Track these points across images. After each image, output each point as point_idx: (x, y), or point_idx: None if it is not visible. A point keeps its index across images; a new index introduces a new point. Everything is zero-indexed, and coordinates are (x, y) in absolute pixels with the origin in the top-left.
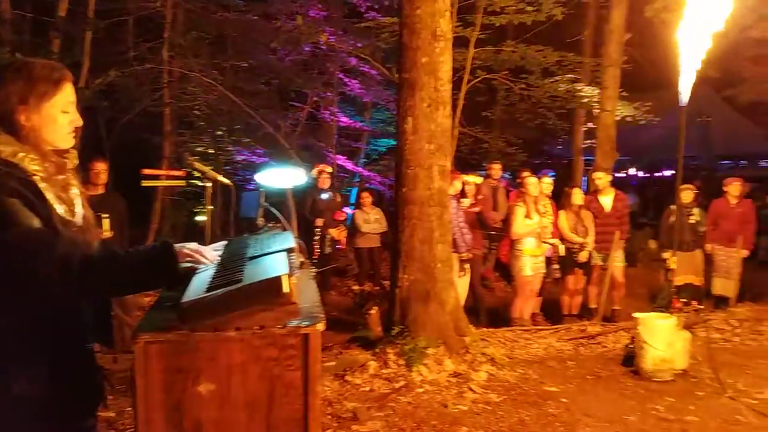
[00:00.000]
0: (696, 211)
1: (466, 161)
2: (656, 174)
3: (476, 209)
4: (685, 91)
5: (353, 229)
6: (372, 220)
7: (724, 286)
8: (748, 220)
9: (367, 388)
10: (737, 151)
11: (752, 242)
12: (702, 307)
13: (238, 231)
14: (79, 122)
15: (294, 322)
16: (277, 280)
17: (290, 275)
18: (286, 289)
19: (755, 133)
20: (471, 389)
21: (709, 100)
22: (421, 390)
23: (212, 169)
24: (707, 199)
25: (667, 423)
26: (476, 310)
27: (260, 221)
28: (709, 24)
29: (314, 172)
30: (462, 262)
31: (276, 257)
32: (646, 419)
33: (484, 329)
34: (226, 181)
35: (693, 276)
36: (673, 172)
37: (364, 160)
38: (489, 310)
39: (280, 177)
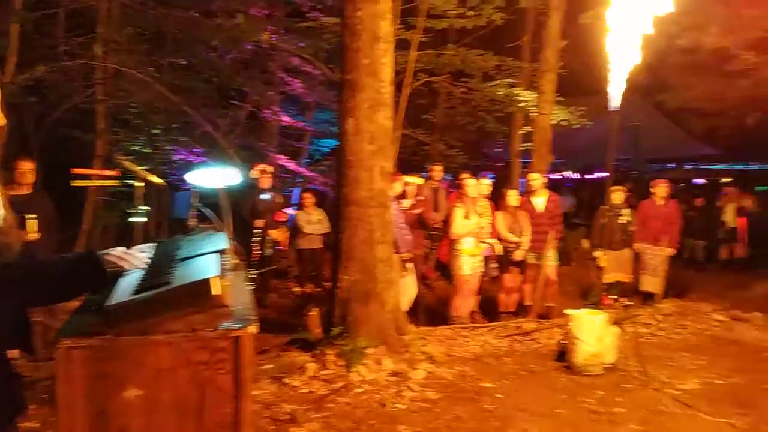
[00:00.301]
0: (626, 211)
1: (408, 163)
2: (589, 176)
3: (417, 210)
4: (615, 96)
5: (295, 230)
6: (314, 221)
7: (651, 282)
8: (673, 220)
9: (306, 390)
10: (665, 154)
11: (677, 241)
12: (630, 303)
13: (171, 232)
14: (2, 121)
15: (225, 325)
16: (207, 282)
17: (222, 277)
18: (216, 291)
19: (681, 138)
20: (409, 388)
21: (639, 106)
22: (360, 390)
23: (146, 169)
24: (638, 201)
25: (596, 415)
26: (416, 309)
27: (192, 222)
28: (637, 34)
29: (255, 172)
30: (403, 262)
31: (207, 259)
32: (577, 412)
33: (424, 328)
34: (158, 180)
35: (622, 273)
36: (606, 174)
37: (307, 160)
38: (430, 309)
39: (212, 177)
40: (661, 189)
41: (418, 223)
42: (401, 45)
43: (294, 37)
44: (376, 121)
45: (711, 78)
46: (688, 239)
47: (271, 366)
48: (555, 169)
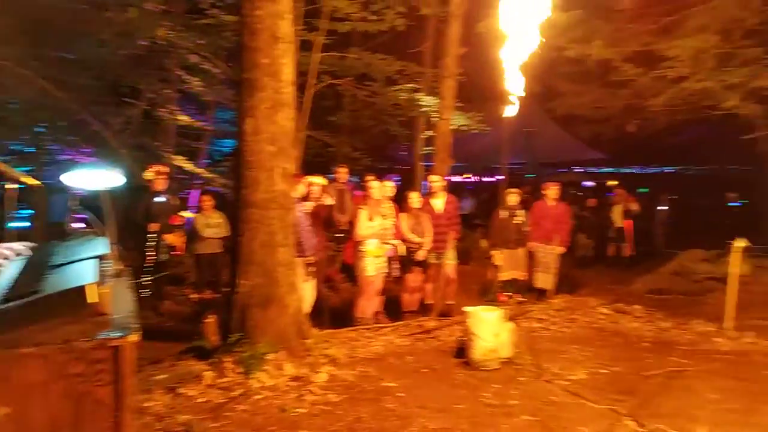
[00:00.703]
0: (521, 212)
1: (313, 164)
2: (488, 179)
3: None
4: (509, 103)
5: (193, 235)
6: (213, 225)
7: (544, 279)
8: (563, 220)
9: (203, 400)
10: (557, 158)
11: (568, 240)
12: (524, 299)
13: (47, 237)
14: None
15: (103, 335)
16: (83, 289)
17: (100, 284)
18: (92, 299)
19: (571, 143)
20: (311, 391)
21: (533, 113)
22: (259, 397)
23: (28, 170)
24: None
25: (493, 408)
26: (321, 312)
27: (70, 226)
28: (527, 43)
29: (149, 173)
30: (307, 265)
31: (84, 265)
32: (475, 406)
33: (328, 331)
34: (32, 181)
35: (517, 271)
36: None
37: (207, 161)
38: (335, 311)
39: (92, 178)
40: (552, 191)
41: (323, 225)
42: (305, 46)
43: (193, 34)
44: (276, 121)
45: (596, 87)
46: (580, 238)
47: (165, 376)
48: (456, 172)
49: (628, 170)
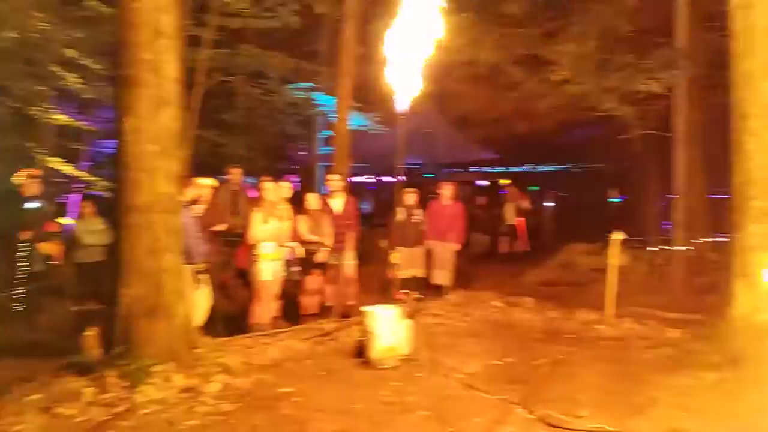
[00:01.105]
0: (418, 211)
1: (206, 166)
2: (388, 179)
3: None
4: (403, 103)
5: (73, 242)
6: (95, 231)
7: (441, 276)
8: (458, 218)
9: (82, 419)
10: (453, 159)
11: (463, 237)
12: (421, 296)
13: None
14: None
15: None
16: None
17: None
18: None
19: (466, 144)
20: (202, 402)
21: (431, 114)
22: (146, 411)
23: None
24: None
25: (391, 406)
26: (215, 320)
27: None
28: (422, 46)
29: (19, 177)
30: (198, 272)
31: None
32: (373, 405)
33: (222, 339)
34: None
35: (416, 269)
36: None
37: (89, 163)
38: (230, 318)
39: None
40: (447, 190)
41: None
42: (194, 42)
43: (69, 27)
44: (159, 120)
45: (487, 89)
46: (475, 235)
47: (40, 396)
48: (357, 172)
49: (519, 169)
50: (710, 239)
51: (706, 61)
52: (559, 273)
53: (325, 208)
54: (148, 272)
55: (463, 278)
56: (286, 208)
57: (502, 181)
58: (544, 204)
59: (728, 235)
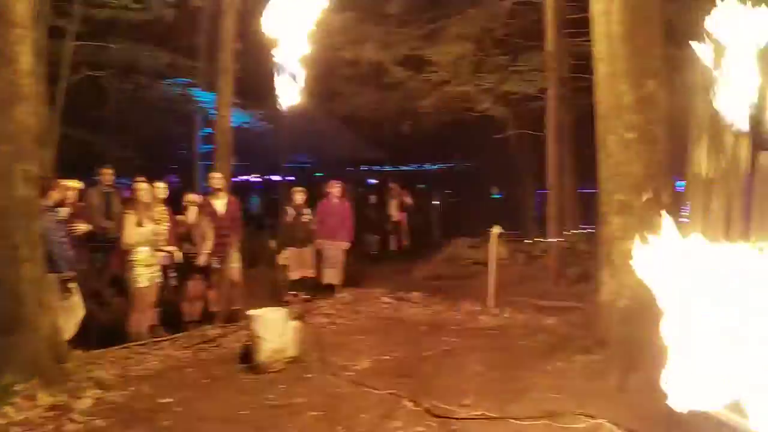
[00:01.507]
0: (307, 211)
1: (74, 166)
2: (276, 178)
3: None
4: (285, 102)
5: None
6: None
7: (332, 275)
8: (347, 217)
9: None
10: (344, 157)
11: (352, 235)
12: (309, 296)
13: None
14: None
15: None
16: None
17: None
18: None
19: (355, 142)
20: (72, 420)
21: (321, 112)
22: None
23: None
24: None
25: (278, 409)
26: (88, 331)
27: None
28: (302, 42)
29: None
30: (63, 282)
31: None
32: (259, 410)
33: (96, 351)
34: None
35: (306, 269)
36: (290, 176)
37: None
38: (105, 328)
39: None
40: (335, 189)
41: (85, 234)
42: (57, 33)
43: None
44: (13, 117)
45: (372, 89)
46: (365, 234)
47: None
48: (244, 171)
49: (408, 168)
50: (581, 231)
51: (572, 65)
52: (445, 267)
53: (207, 208)
54: (5, 283)
55: (354, 277)
56: (163, 210)
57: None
58: (432, 201)
59: (595, 226)
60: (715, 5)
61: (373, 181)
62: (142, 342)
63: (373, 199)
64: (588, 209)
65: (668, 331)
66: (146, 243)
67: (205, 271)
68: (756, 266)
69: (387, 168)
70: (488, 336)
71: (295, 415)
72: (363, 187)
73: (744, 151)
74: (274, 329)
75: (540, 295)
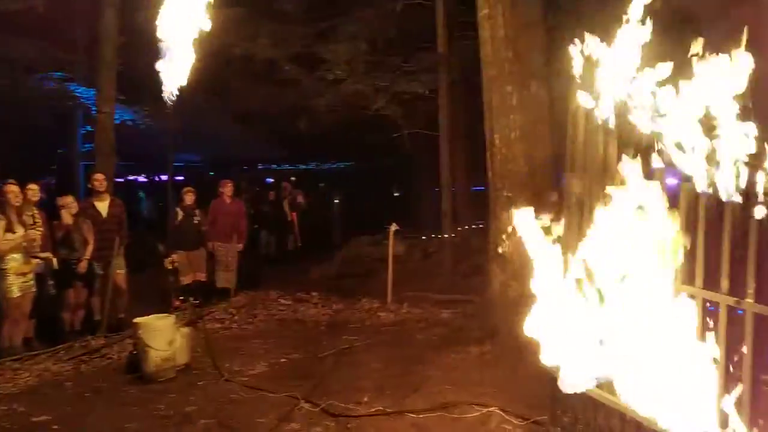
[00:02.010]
0: (198, 212)
1: None
2: (164, 178)
3: None
4: (170, 99)
5: None
6: None
7: (225, 278)
8: (240, 217)
9: None
10: (240, 156)
11: (246, 237)
12: (198, 302)
13: None
14: None
15: None
16: None
17: None
18: None
19: (253, 140)
20: None
21: (213, 110)
22: None
23: None
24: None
25: (168, 419)
26: None
27: None
28: (189, 37)
29: None
30: None
31: None
32: (148, 421)
33: None
34: None
35: (198, 273)
36: (181, 176)
37: None
38: None
39: None
40: (228, 188)
41: None
42: None
43: None
44: None
45: (267, 85)
46: (262, 234)
47: None
48: (128, 171)
49: (308, 167)
50: (474, 227)
51: (463, 66)
52: (345, 266)
53: (89, 211)
54: None
55: (250, 279)
56: (36, 214)
57: (292, 179)
58: (332, 200)
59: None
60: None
61: (271, 180)
62: (16, 356)
63: (269, 197)
64: (482, 206)
65: (543, 318)
66: (17, 250)
67: (87, 278)
68: (609, 258)
69: (286, 167)
70: (387, 332)
71: (186, 425)
72: (261, 186)
73: (612, 149)
74: (163, 337)
75: (436, 290)
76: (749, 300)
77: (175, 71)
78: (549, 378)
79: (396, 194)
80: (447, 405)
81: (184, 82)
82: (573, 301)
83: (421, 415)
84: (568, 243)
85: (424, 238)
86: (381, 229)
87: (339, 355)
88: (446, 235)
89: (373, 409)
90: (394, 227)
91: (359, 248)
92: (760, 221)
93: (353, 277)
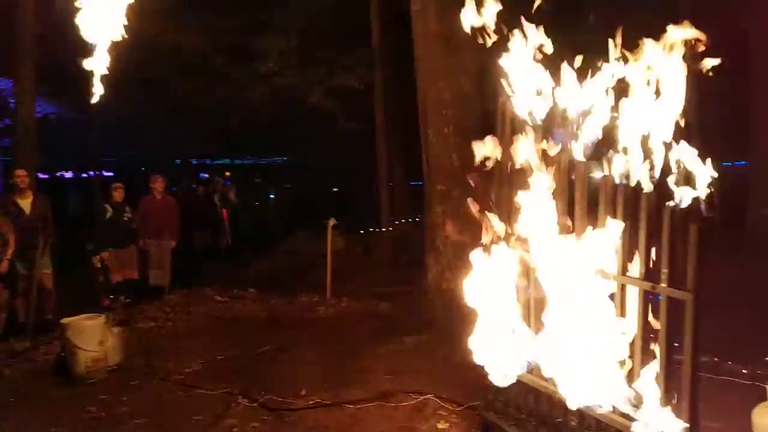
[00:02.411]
0: (128, 208)
1: None
2: (95, 174)
3: None
4: (98, 89)
5: None
6: None
7: (158, 276)
8: (172, 213)
9: None
10: (171, 150)
11: (178, 233)
12: (129, 300)
13: None
14: None
15: None
16: None
17: None
18: None
19: (185, 134)
20: None
21: (143, 103)
22: None
23: None
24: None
25: (99, 421)
26: None
27: None
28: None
29: None
30: None
31: None
32: (77, 424)
33: None
34: None
35: (130, 271)
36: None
37: None
38: None
39: None
40: (158, 184)
41: None
42: None
43: None
44: None
45: (196, 78)
46: (195, 230)
47: None
48: (53, 166)
49: (245, 161)
50: (411, 220)
51: (398, 61)
52: (284, 261)
53: (11, 208)
54: None
55: (185, 276)
56: None
57: (227, 173)
58: (268, 195)
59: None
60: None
61: (206, 175)
62: None
63: (200, 190)
64: (420, 200)
65: (477, 307)
66: None
67: (10, 279)
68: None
69: (224, 161)
70: (325, 326)
71: (118, 426)
72: (195, 182)
73: (538, 144)
74: (93, 337)
75: (375, 283)
76: (663, 285)
77: (98, 63)
78: (483, 365)
79: (335, 189)
80: (384, 394)
81: (107, 74)
82: (503, 289)
83: (358, 406)
84: (498, 231)
85: (363, 232)
86: (320, 225)
87: (277, 350)
88: (385, 229)
89: (311, 402)
90: (332, 222)
91: (298, 244)
92: (673, 210)
93: (292, 273)
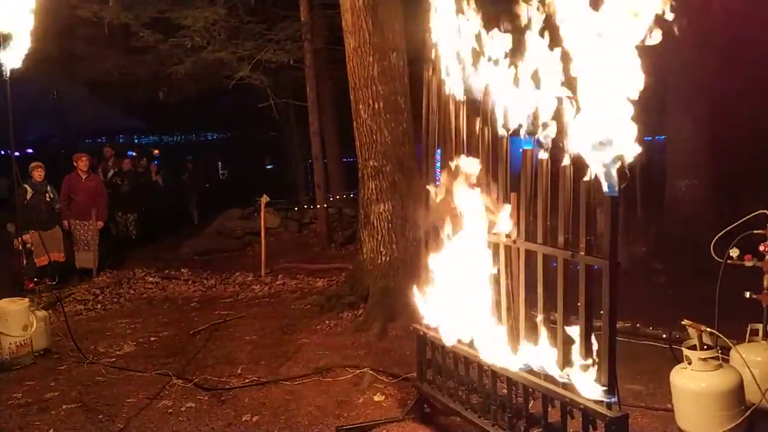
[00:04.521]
0: (50, 188)
1: None
2: (8, 151)
3: None
4: (9, 63)
5: None
6: None
7: (86, 258)
8: (98, 193)
9: None
10: (95, 127)
11: (105, 214)
12: (54, 282)
13: None
14: None
15: None
16: None
17: None
18: None
19: (107, 111)
20: None
21: (63, 79)
22: None
23: None
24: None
25: (25, 407)
26: None
27: None
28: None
29: None
30: None
31: None
32: (4, 412)
33: None
34: None
35: (55, 253)
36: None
37: None
38: None
39: None
40: (82, 162)
41: None
42: None
43: None
44: None
45: (120, 52)
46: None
47: None
48: None
49: (174, 138)
50: (346, 197)
51: (328, 36)
52: (217, 240)
53: None
54: None
55: (114, 257)
56: None
57: (156, 152)
58: (201, 174)
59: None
60: None
61: (133, 153)
62: None
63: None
64: (354, 176)
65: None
66: None
67: None
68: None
69: (151, 138)
70: (261, 304)
71: (47, 411)
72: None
73: (461, 118)
74: (17, 322)
75: (311, 260)
76: (581, 253)
77: (11, 38)
78: (417, 337)
79: (269, 166)
80: (321, 370)
81: (22, 51)
82: (440, 264)
83: (296, 382)
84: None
85: (297, 209)
86: (253, 202)
87: (212, 330)
88: (320, 206)
89: (248, 380)
90: (265, 199)
91: (231, 222)
92: (589, 182)
93: (226, 252)
